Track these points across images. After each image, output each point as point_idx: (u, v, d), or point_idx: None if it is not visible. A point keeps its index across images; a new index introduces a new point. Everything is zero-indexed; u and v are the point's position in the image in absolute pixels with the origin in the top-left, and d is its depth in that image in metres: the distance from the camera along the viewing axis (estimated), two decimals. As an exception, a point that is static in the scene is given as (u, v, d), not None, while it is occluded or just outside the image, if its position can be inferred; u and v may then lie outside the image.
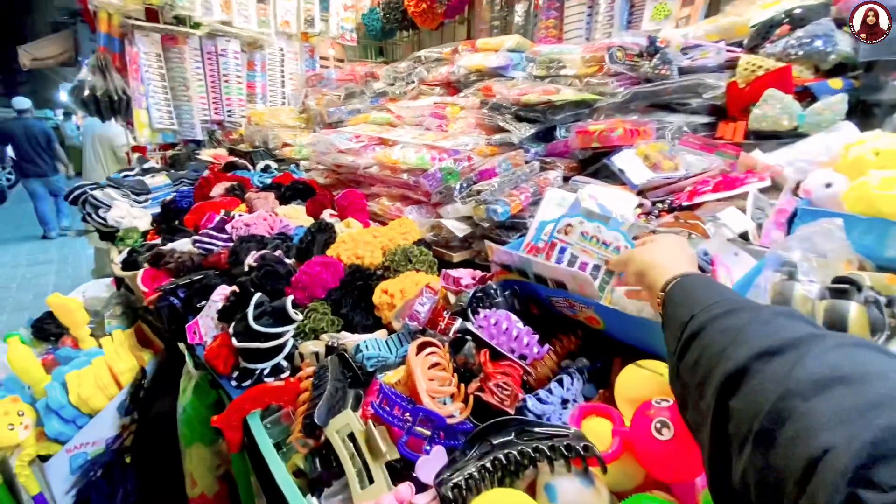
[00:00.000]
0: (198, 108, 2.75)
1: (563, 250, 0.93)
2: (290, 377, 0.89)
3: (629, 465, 0.63)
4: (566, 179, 1.35)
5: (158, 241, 1.58)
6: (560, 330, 0.91)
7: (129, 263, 1.50)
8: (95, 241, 1.98)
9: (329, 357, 0.86)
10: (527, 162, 1.36)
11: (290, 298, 0.95)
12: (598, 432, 0.66)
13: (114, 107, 2.49)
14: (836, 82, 1.08)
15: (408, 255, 1.13)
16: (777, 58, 1.16)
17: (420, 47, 2.67)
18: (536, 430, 0.66)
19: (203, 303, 1.14)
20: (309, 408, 0.77)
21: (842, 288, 0.63)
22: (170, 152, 2.63)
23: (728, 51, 1.30)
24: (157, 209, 1.92)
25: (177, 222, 1.71)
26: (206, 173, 2.10)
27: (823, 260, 0.70)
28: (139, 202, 1.94)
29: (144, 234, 1.78)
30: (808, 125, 1.07)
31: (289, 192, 1.68)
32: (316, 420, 0.73)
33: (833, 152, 0.97)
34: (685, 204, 1.09)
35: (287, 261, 1.16)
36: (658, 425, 0.58)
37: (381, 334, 0.99)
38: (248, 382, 0.91)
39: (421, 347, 0.83)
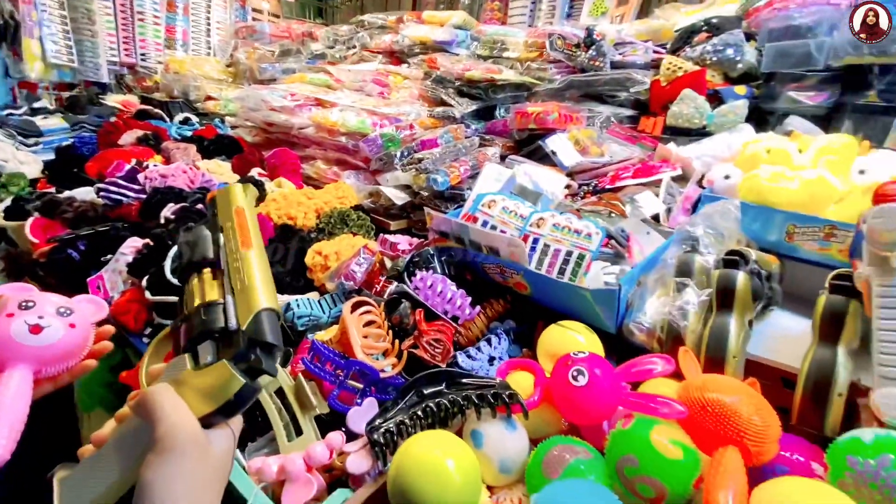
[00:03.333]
0: (104, 47, 2.42)
1: (536, 241, 0.92)
2: (212, 334, 0.84)
3: (547, 414, 0.69)
4: (503, 158, 1.39)
5: (52, 190, 1.39)
6: (490, 295, 0.95)
7: (14, 212, 1.31)
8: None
9: (257, 314, 0.82)
10: (467, 137, 1.38)
11: (214, 253, 0.89)
12: (522, 384, 0.70)
13: (-3, 32, 2.11)
14: (741, 89, 1.23)
15: (344, 218, 1.11)
16: (695, 61, 1.28)
17: (362, 13, 2.57)
18: (465, 381, 0.69)
19: (109, 256, 1.03)
20: (233, 363, 0.74)
21: (732, 259, 0.72)
22: (67, 93, 2.29)
23: (654, 51, 1.41)
24: (50, 155, 1.69)
25: (76, 170, 1.51)
26: (112, 119, 1.87)
27: (720, 236, 0.80)
28: (27, 145, 1.68)
29: (34, 183, 1.56)
30: (715, 125, 1.20)
31: (212, 146, 1.55)
32: (241, 374, 0.70)
33: (733, 150, 1.11)
34: (608, 187, 1.18)
35: (211, 216, 1.08)
36: (575, 373, 0.63)
37: (312, 296, 0.97)
38: (163, 340, 0.84)
39: (356, 306, 0.82)
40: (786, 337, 0.79)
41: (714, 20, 1.32)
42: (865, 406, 0.59)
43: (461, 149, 1.29)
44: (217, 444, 0.38)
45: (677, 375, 0.68)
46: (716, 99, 1.24)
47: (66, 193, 1.25)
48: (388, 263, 1.05)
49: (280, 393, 0.72)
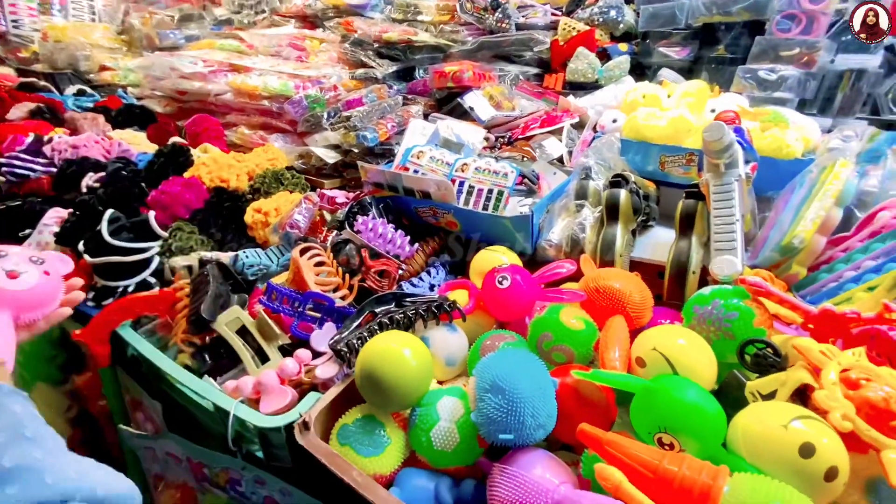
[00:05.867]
0: (-37, 12, 2.09)
1: (461, 183, 1.05)
2: (162, 291, 0.87)
3: (481, 318, 0.82)
4: (425, 116, 1.49)
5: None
6: (426, 235, 1.06)
7: None
8: None
9: (208, 265, 0.87)
10: (390, 96, 1.45)
11: (152, 213, 0.91)
12: (459, 298, 0.83)
13: None
14: (624, 46, 1.42)
15: (279, 177, 1.14)
16: (585, 22, 1.46)
17: (268, -25, 2.46)
18: (410, 300, 0.80)
19: (28, 231, 0.99)
20: (192, 309, 0.79)
21: (616, 181, 0.90)
22: (-82, 66, 1.97)
23: (552, 13, 1.57)
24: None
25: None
26: (-13, 95, 1.68)
27: (608, 166, 0.97)
28: None
29: None
30: (604, 78, 1.38)
31: (121, 116, 1.47)
32: (203, 314, 0.75)
33: (619, 99, 1.30)
34: (520, 136, 1.33)
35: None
36: (500, 279, 0.77)
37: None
38: (109, 301, 0.86)
39: (304, 251, 0.89)
40: (661, 244, 0.99)
41: (600, -16, 1.50)
42: (713, 281, 0.79)
43: (386, 107, 1.36)
44: None
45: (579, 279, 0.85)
46: (604, 56, 1.42)
47: (-43, 172, 1.15)
48: (328, 217, 1.12)
49: (242, 332, 0.78)
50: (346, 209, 1.06)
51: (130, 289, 0.87)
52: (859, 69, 1.23)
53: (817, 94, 1.29)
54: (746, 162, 0.78)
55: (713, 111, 1.12)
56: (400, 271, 0.96)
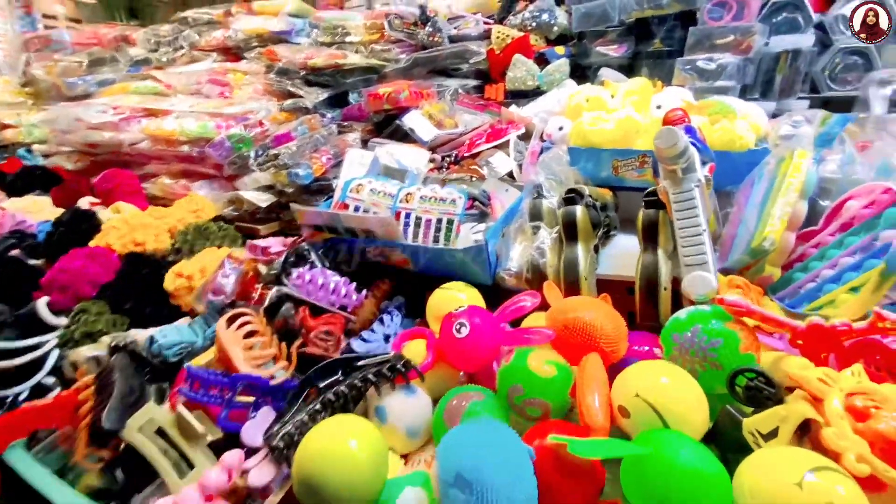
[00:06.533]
0: None
1: (408, 216, 0.95)
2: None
3: (444, 371, 0.73)
4: (365, 143, 1.39)
5: None
6: (376, 277, 0.96)
7: None
8: None
9: (114, 357, 0.73)
10: (323, 126, 1.35)
11: (44, 300, 0.77)
12: (418, 351, 0.73)
13: None
14: (560, 49, 1.37)
15: (203, 231, 1.02)
16: (518, 28, 1.40)
17: (184, 8, 2.32)
18: (361, 364, 0.70)
19: None
20: (95, 416, 0.66)
21: (570, 197, 0.83)
22: None
23: (485, 22, 1.51)
24: None
25: None
26: None
27: (559, 180, 0.90)
28: None
29: None
30: (545, 83, 1.33)
31: (20, 181, 1.30)
32: (105, 425, 0.62)
33: (563, 104, 1.24)
34: (466, 154, 1.25)
35: (31, 261, 0.92)
36: (458, 326, 0.68)
37: (182, 322, 0.89)
38: (-3, 415, 0.71)
39: (231, 320, 0.77)
40: (627, 254, 0.92)
41: (530, -13, 1.45)
42: (688, 299, 0.72)
43: (319, 139, 1.26)
44: None
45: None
46: (542, 61, 1.37)
47: None
48: (263, 270, 1.00)
49: (161, 432, 0.65)
50: (282, 259, 0.95)
51: (22, 396, 0.72)
52: (794, 49, 1.22)
53: (756, 79, 1.28)
54: (703, 163, 0.72)
55: (659, 107, 1.07)
56: (349, 325, 0.85)
